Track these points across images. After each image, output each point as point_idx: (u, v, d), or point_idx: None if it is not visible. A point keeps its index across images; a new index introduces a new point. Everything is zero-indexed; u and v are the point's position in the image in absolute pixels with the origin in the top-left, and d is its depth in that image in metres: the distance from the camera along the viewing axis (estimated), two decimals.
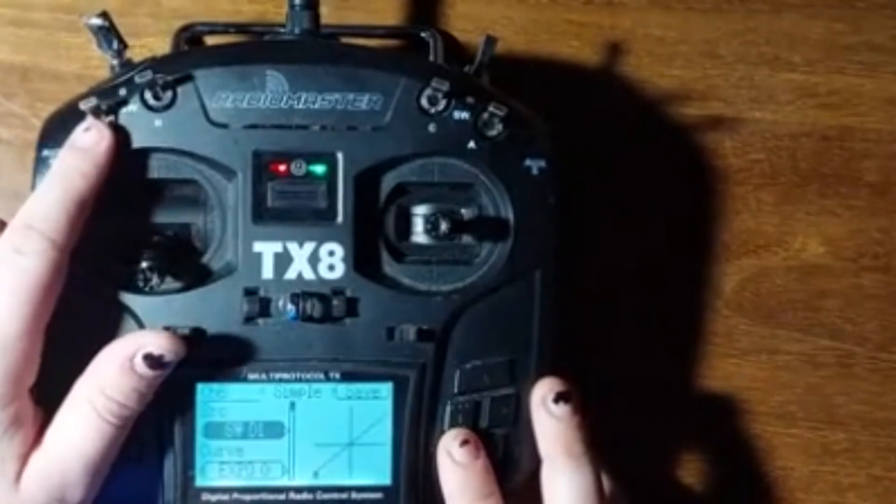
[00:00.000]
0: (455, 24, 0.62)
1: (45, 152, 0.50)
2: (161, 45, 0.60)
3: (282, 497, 0.52)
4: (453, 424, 0.52)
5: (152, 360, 0.47)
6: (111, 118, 0.50)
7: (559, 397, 0.51)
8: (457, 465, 0.51)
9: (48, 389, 0.50)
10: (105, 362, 0.48)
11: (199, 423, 0.51)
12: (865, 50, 0.63)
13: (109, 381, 0.48)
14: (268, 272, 0.51)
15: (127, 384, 0.48)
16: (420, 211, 0.53)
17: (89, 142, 0.49)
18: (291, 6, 0.54)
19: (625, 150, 0.63)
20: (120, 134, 0.50)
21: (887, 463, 0.64)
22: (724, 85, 0.63)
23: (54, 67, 0.60)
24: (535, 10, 0.63)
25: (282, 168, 0.51)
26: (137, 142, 0.50)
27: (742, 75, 0.63)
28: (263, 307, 0.51)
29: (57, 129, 0.50)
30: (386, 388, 0.52)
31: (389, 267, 0.52)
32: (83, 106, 0.49)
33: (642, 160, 0.63)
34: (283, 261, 0.51)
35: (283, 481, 0.52)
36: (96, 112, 0.49)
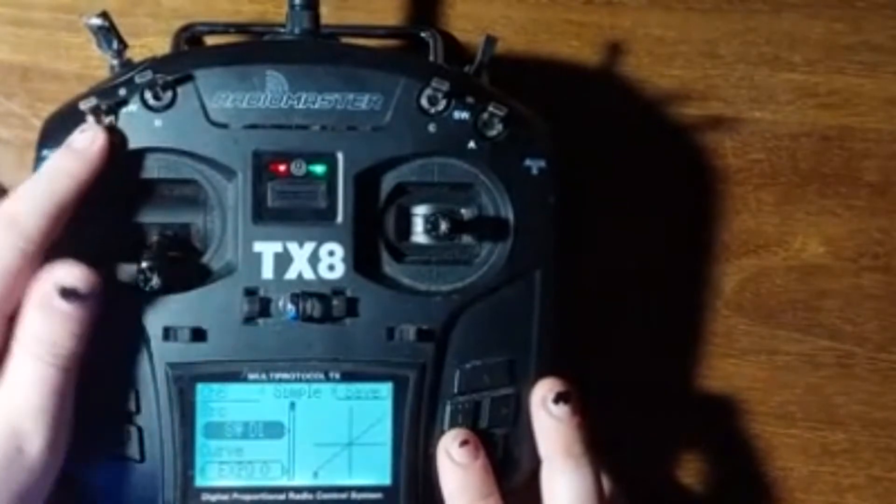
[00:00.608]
0: (455, 23, 0.62)
1: (45, 152, 0.50)
2: (161, 45, 0.60)
3: (281, 497, 0.52)
4: (453, 424, 0.52)
5: (68, 294, 0.47)
6: (111, 119, 0.50)
7: (559, 397, 0.51)
8: (456, 465, 0.51)
9: None
10: (29, 309, 0.48)
11: (199, 423, 0.51)
12: (865, 50, 0.63)
13: (37, 325, 0.47)
14: (268, 272, 0.51)
15: (55, 324, 0.47)
16: (420, 211, 0.53)
17: (82, 143, 0.49)
18: (291, 6, 0.54)
19: (625, 150, 0.63)
20: (118, 136, 0.50)
21: (887, 463, 0.64)
22: (724, 85, 0.63)
23: (54, 67, 0.60)
24: (535, 10, 0.62)
25: (282, 168, 0.51)
26: (137, 142, 0.50)
27: (742, 75, 0.63)
28: (263, 307, 0.51)
29: (57, 130, 0.50)
30: (386, 388, 0.52)
31: (389, 267, 0.52)
32: (83, 106, 0.49)
33: (642, 160, 0.63)
34: (283, 261, 0.51)
35: (283, 481, 0.52)
36: (96, 112, 0.49)
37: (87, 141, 0.49)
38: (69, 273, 0.48)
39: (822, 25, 0.63)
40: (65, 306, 0.47)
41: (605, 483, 0.52)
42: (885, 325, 0.64)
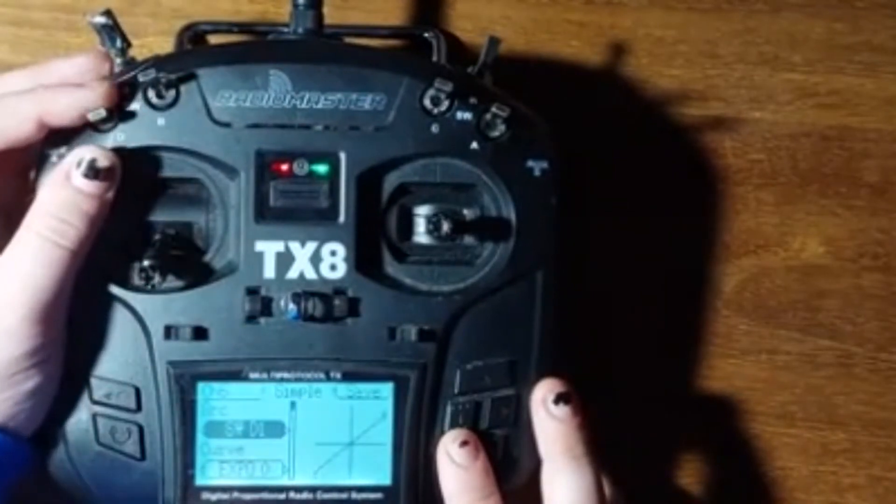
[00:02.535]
0: (455, 23, 0.62)
1: (48, 151, 0.50)
2: (161, 45, 0.60)
3: (282, 496, 0.52)
4: (454, 425, 0.52)
5: (87, 168, 0.48)
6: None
7: (559, 398, 0.51)
8: (456, 465, 0.51)
9: None
10: (43, 190, 0.48)
11: (200, 421, 0.51)
12: (865, 50, 0.64)
13: (50, 201, 0.48)
14: (269, 271, 0.51)
15: (68, 198, 0.48)
16: (422, 211, 0.53)
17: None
18: (295, 6, 0.54)
19: (625, 150, 0.63)
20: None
21: (887, 463, 0.64)
22: (723, 85, 0.63)
23: None
24: (535, 9, 0.63)
25: (284, 167, 0.51)
26: (140, 140, 0.50)
27: (742, 75, 0.63)
28: (265, 306, 0.51)
29: (63, 133, 0.50)
30: (387, 389, 0.52)
31: (391, 267, 0.52)
32: (91, 116, 0.49)
33: (642, 160, 0.63)
34: (284, 260, 0.51)
35: (284, 480, 0.52)
36: (104, 120, 0.49)
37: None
38: (89, 150, 0.48)
39: (822, 25, 0.63)
40: (81, 182, 0.48)
41: (605, 484, 0.52)
42: (885, 325, 0.64)
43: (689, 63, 0.63)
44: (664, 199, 0.63)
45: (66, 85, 0.49)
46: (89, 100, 0.49)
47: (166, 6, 0.61)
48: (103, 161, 0.48)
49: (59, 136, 0.50)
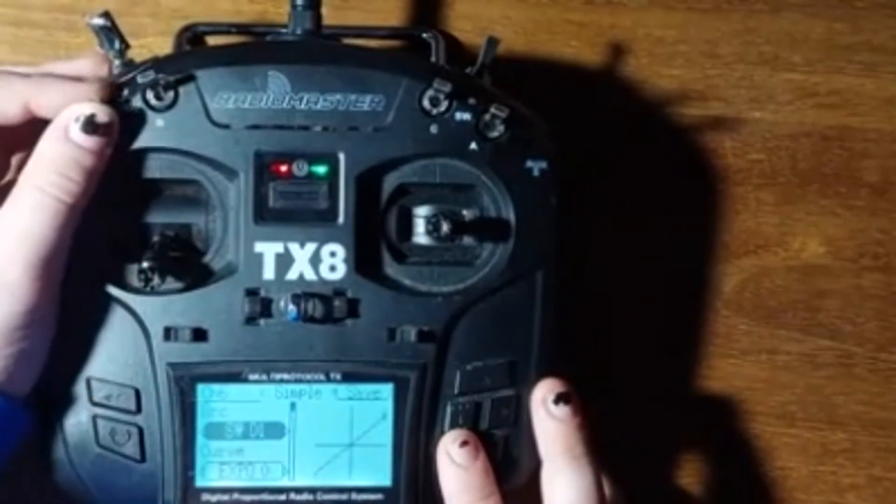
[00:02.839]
0: (455, 24, 0.62)
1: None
2: (161, 45, 0.60)
3: (282, 497, 0.52)
4: (454, 425, 0.52)
5: (86, 123, 0.47)
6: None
7: (559, 398, 0.51)
8: (456, 465, 0.51)
9: (48, 389, 0.50)
10: (42, 145, 0.48)
11: (200, 423, 0.51)
12: (865, 50, 0.63)
13: (49, 156, 0.48)
14: (269, 273, 0.51)
15: (67, 154, 0.48)
16: (421, 212, 0.53)
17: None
18: (293, 6, 0.54)
19: (625, 150, 0.63)
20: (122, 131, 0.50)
21: (887, 463, 0.64)
22: (723, 85, 0.63)
23: None
24: (535, 9, 0.62)
25: (283, 168, 0.51)
26: (139, 142, 0.50)
27: (742, 75, 0.63)
28: (265, 308, 0.51)
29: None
30: (386, 389, 0.52)
31: (391, 268, 0.52)
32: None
33: (642, 160, 0.63)
34: (284, 261, 0.51)
35: (284, 482, 0.52)
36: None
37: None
38: (88, 105, 0.48)
39: (822, 25, 0.63)
40: (80, 137, 0.48)
41: (605, 484, 0.52)
42: (885, 325, 0.64)
43: (689, 63, 0.63)
44: (664, 199, 0.63)
45: (64, 78, 0.49)
46: (82, 94, 0.49)
47: (166, 6, 0.61)
48: (102, 116, 0.48)
49: None
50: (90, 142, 0.48)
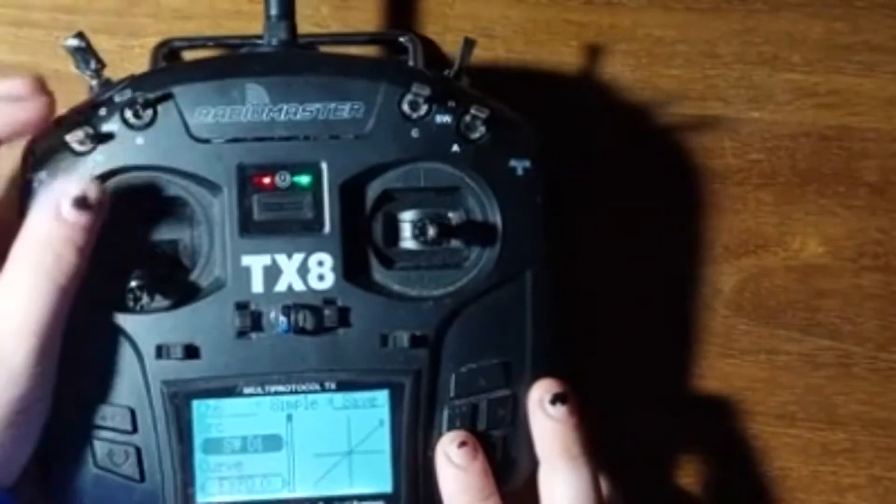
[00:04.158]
0: (454, 24, 0.62)
1: (29, 176, 0.50)
2: None
3: None
4: (451, 428, 0.52)
5: (77, 201, 0.47)
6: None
7: (556, 398, 0.51)
8: (455, 467, 0.51)
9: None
10: (33, 222, 0.48)
11: (197, 439, 0.51)
12: (865, 50, 0.63)
13: (42, 235, 0.47)
14: (257, 286, 0.51)
15: (60, 233, 0.47)
16: (407, 217, 0.53)
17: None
18: (268, 17, 0.54)
19: (623, 150, 0.63)
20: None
21: (887, 463, 0.64)
22: (722, 85, 0.63)
23: (54, 67, 0.60)
24: (535, 9, 0.62)
25: (266, 180, 0.51)
26: (120, 161, 0.50)
27: (741, 75, 0.63)
28: (255, 321, 0.50)
29: (43, 159, 0.50)
30: (382, 396, 0.52)
31: (379, 274, 0.52)
32: (69, 138, 0.49)
33: (642, 160, 0.63)
34: (272, 273, 0.51)
35: (285, 494, 0.52)
36: (83, 142, 0.49)
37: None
38: (78, 183, 0.48)
39: (822, 25, 0.63)
40: (73, 215, 0.47)
41: (604, 483, 0.52)
42: (885, 325, 0.64)
43: (688, 63, 0.63)
44: (663, 199, 0.63)
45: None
46: (18, 114, 0.48)
47: (166, 6, 0.61)
48: (93, 193, 0.48)
49: (39, 160, 0.50)
50: (83, 219, 0.48)
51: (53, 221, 0.47)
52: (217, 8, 0.61)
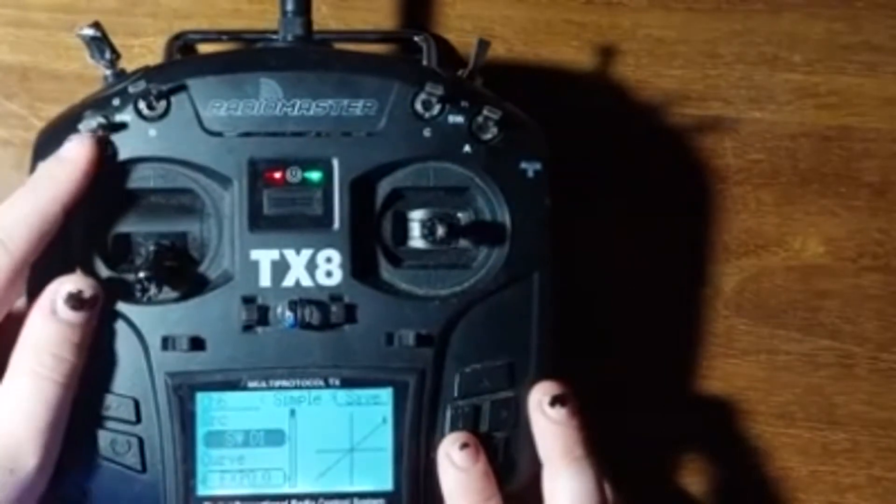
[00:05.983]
0: (454, 24, 0.62)
1: (40, 164, 0.50)
2: (160, 45, 0.59)
3: None
4: (454, 428, 0.52)
5: (72, 300, 0.48)
6: (105, 133, 0.50)
7: (555, 400, 0.51)
8: (457, 468, 0.51)
9: None
10: (31, 323, 0.48)
11: (200, 432, 0.51)
12: (865, 50, 0.63)
13: (40, 336, 0.48)
14: (265, 280, 0.51)
15: (57, 334, 0.48)
16: (416, 216, 0.53)
17: (70, 153, 0.49)
18: (283, 13, 0.54)
19: (624, 150, 0.63)
20: (108, 146, 0.50)
21: (887, 463, 0.64)
22: (723, 85, 0.63)
23: (54, 67, 0.60)
24: (535, 10, 0.62)
25: (277, 175, 0.51)
26: (132, 152, 0.50)
27: (742, 75, 0.63)
28: (262, 315, 0.50)
29: (52, 143, 0.50)
30: (386, 394, 0.51)
31: (387, 272, 0.52)
32: (81, 126, 0.49)
33: (642, 160, 0.63)
34: (280, 268, 0.51)
35: (285, 489, 0.51)
36: (95, 131, 0.49)
37: (76, 151, 0.49)
38: (73, 281, 0.48)
39: (822, 25, 0.63)
40: (68, 314, 0.48)
41: (607, 485, 0.52)
42: (885, 325, 0.64)
43: (688, 63, 0.63)
44: (664, 199, 0.63)
45: None
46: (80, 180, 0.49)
47: (166, 6, 0.61)
48: (88, 291, 0.48)
49: (50, 148, 0.50)
50: (78, 317, 0.48)
51: (49, 322, 0.48)
52: (217, 7, 0.61)
